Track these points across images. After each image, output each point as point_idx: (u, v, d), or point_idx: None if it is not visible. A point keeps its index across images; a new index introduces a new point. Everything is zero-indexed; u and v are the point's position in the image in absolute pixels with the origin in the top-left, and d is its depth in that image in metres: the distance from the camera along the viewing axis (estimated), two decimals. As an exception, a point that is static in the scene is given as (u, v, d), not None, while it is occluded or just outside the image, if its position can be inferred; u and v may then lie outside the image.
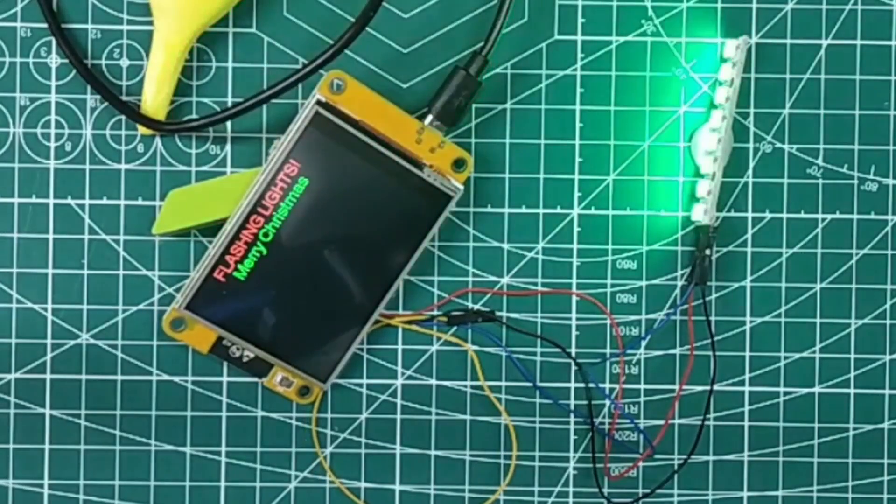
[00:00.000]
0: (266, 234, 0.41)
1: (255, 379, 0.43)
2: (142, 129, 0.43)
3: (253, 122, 0.43)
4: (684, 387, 0.44)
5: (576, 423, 0.44)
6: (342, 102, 0.41)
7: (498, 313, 0.44)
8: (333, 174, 0.41)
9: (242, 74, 0.43)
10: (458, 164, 0.42)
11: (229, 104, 0.43)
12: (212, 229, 0.42)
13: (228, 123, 0.43)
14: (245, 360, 0.42)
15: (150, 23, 0.42)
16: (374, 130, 0.41)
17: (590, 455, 0.44)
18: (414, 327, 0.44)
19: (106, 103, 0.43)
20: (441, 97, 0.41)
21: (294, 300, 0.41)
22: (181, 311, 0.41)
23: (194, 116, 0.43)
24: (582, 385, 0.44)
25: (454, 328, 0.44)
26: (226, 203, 0.41)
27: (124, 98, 0.43)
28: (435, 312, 0.44)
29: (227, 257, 0.41)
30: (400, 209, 0.41)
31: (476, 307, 0.44)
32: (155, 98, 0.42)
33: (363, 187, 0.41)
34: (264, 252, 0.41)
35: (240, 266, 0.41)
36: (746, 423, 0.44)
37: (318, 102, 0.40)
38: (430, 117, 0.41)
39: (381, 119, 0.41)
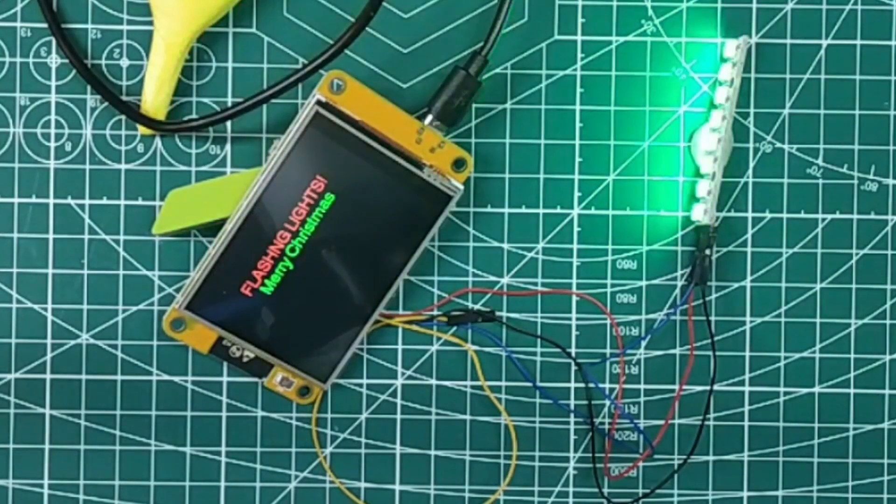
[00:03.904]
0: (266, 234, 0.41)
1: (255, 379, 0.43)
2: (142, 129, 0.43)
3: (253, 122, 0.43)
4: (684, 387, 0.44)
5: (576, 423, 0.44)
6: (342, 102, 0.41)
7: (498, 313, 0.44)
8: (333, 174, 0.41)
9: (242, 74, 0.43)
10: (458, 164, 0.42)
11: (229, 104, 0.43)
12: (212, 229, 0.42)
13: (228, 123, 0.43)
14: (245, 360, 0.42)
15: (150, 23, 0.42)
16: (374, 130, 0.41)
17: (590, 455, 0.44)
18: (414, 327, 0.44)
19: (106, 103, 0.43)
20: (441, 97, 0.41)
21: (294, 300, 0.41)
22: (181, 311, 0.41)
23: (194, 116, 0.43)
24: (582, 385, 0.44)
25: (454, 328, 0.44)
26: (226, 203, 0.41)
27: (124, 98, 0.43)
28: (435, 312, 0.44)
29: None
30: (400, 209, 0.41)
31: (476, 307, 0.44)
32: (155, 98, 0.42)
33: (363, 187, 0.41)
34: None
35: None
36: (746, 423, 0.44)
37: (318, 102, 0.40)
38: (430, 117, 0.41)
39: (381, 119, 0.41)
